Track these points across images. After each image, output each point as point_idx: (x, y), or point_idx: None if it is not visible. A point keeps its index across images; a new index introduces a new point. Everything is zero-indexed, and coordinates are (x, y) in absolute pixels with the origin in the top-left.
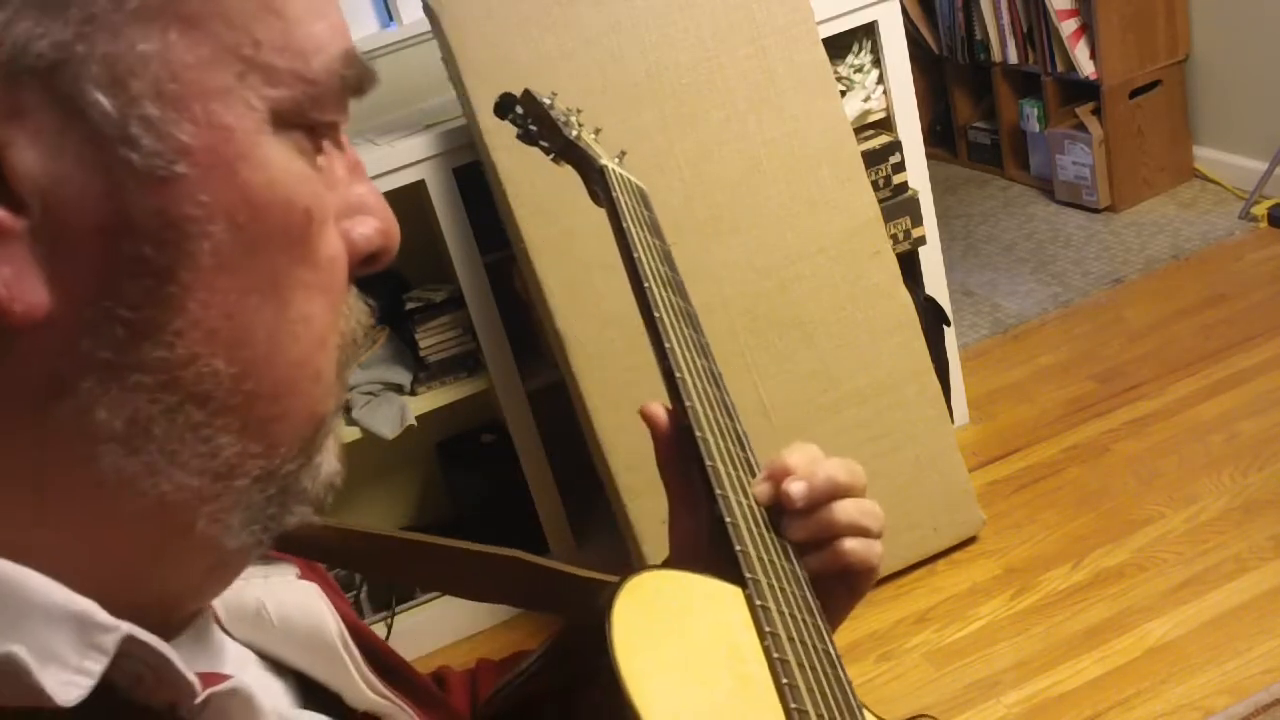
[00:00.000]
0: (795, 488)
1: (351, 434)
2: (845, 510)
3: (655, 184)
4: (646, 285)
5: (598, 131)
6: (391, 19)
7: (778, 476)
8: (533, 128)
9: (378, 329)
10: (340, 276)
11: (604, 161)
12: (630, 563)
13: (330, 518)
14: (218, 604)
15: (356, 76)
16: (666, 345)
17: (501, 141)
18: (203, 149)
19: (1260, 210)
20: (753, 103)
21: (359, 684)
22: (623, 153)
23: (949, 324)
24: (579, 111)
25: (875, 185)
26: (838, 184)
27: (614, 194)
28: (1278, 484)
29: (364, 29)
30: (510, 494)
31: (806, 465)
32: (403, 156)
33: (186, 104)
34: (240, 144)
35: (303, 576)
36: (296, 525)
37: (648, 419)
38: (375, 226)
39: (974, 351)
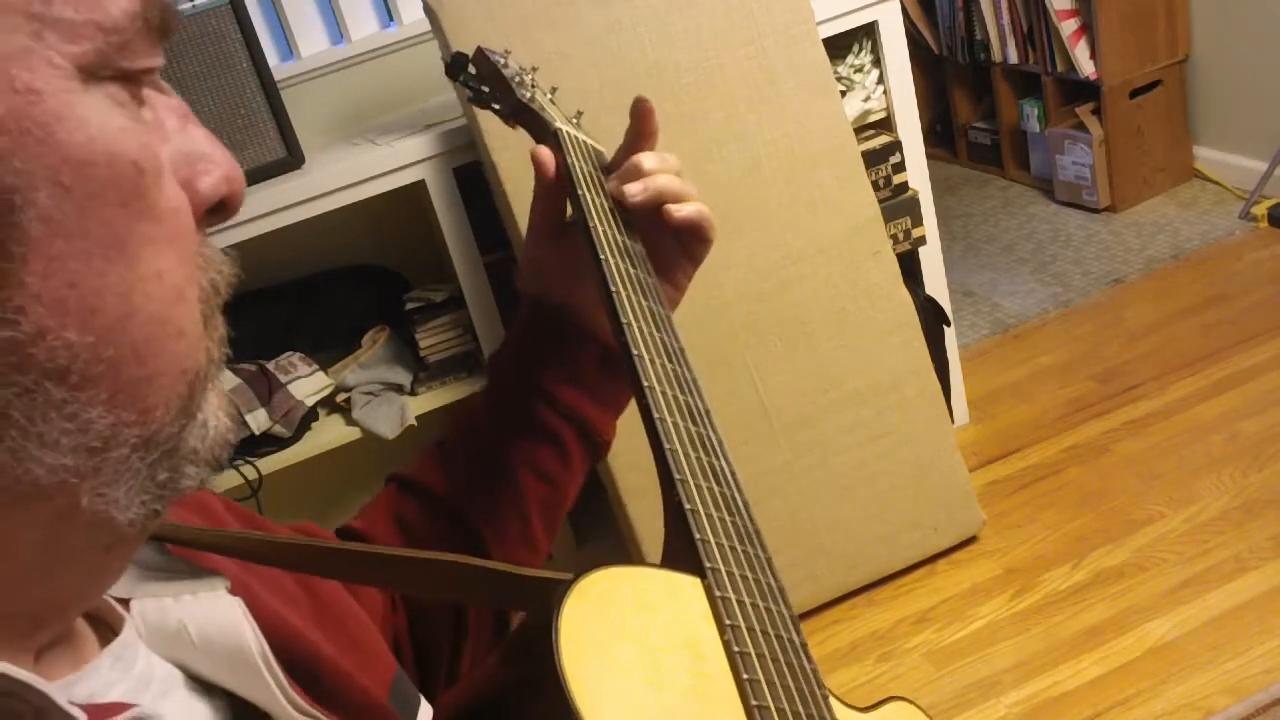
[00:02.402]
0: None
1: (351, 434)
2: (649, 159)
3: None
4: (603, 256)
5: (554, 90)
6: (391, 19)
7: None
8: (485, 89)
9: (378, 329)
10: (187, 227)
11: (558, 125)
12: (631, 562)
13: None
14: (139, 624)
15: (159, 16)
16: (624, 320)
17: (502, 142)
18: (11, 115)
19: (1260, 210)
20: (753, 103)
21: (283, 702)
22: (579, 113)
23: (949, 324)
24: (534, 70)
25: (875, 185)
26: (838, 184)
27: (568, 159)
28: (1278, 484)
29: (364, 29)
30: None
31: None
32: (403, 156)
33: None
34: (51, 105)
35: (236, 590)
36: (195, 488)
37: (537, 160)
38: (220, 174)
39: (974, 351)
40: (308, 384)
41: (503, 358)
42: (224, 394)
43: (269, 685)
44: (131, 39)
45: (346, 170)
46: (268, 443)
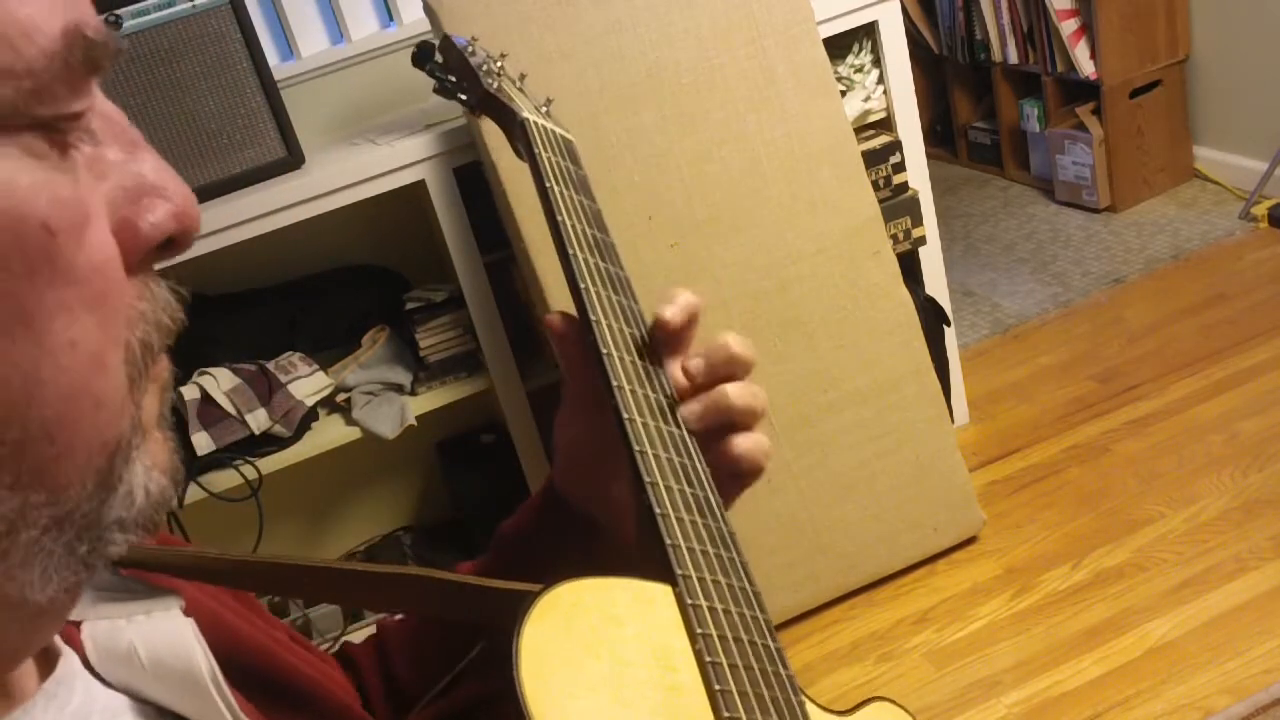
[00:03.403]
0: (693, 363)
1: (351, 434)
2: (738, 394)
3: (655, 184)
4: (571, 252)
5: (523, 78)
6: (391, 19)
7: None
8: (451, 79)
9: (378, 329)
10: (113, 283)
11: (525, 114)
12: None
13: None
14: (89, 647)
15: (86, 54)
16: (593, 318)
17: (502, 142)
18: None
19: (1260, 210)
20: (753, 103)
21: None
22: (549, 100)
23: (949, 324)
24: (503, 57)
25: (875, 185)
26: (838, 184)
27: (535, 150)
28: (1278, 484)
29: (364, 29)
30: (510, 494)
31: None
32: (403, 156)
33: None
34: None
35: (191, 609)
36: (124, 552)
37: (550, 328)
38: (166, 210)
39: (974, 351)
40: (308, 384)
41: (517, 554)
42: (161, 450)
43: (218, 707)
44: (49, 84)
45: (346, 170)
46: (268, 443)
